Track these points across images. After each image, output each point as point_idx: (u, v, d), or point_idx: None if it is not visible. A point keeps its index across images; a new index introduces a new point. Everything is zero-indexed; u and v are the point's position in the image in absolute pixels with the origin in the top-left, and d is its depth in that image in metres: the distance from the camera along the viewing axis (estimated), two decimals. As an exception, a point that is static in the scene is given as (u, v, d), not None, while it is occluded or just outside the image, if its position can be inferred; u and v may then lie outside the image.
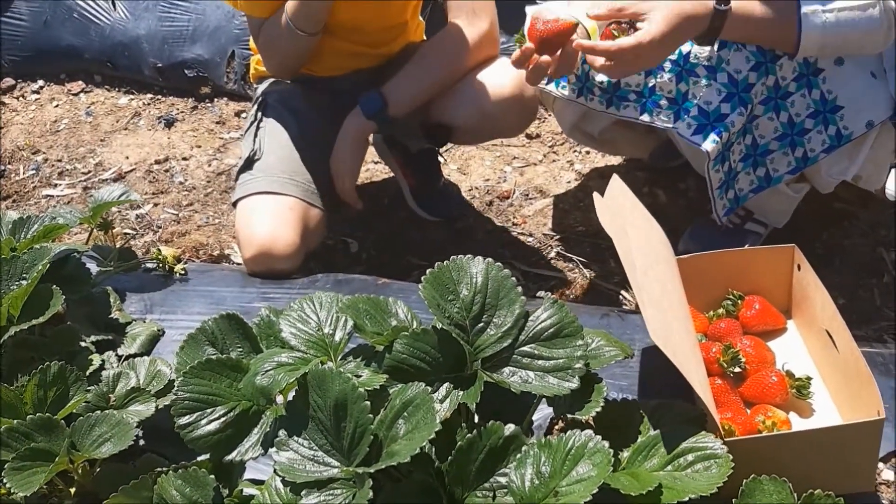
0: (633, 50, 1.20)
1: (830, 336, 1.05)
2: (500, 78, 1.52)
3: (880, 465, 1.01)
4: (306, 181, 1.53)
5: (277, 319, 0.93)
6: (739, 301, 1.20)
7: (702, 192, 1.41)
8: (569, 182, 2.01)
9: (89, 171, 2.22)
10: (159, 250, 1.51)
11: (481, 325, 0.86)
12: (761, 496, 0.77)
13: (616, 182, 1.11)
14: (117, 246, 1.53)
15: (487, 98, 1.50)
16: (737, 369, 1.07)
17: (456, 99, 1.54)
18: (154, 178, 2.16)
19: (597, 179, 2.01)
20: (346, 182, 1.55)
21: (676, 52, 1.33)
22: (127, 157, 2.26)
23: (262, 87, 1.69)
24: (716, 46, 1.29)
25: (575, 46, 1.23)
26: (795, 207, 1.58)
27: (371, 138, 1.65)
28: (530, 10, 1.72)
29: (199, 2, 2.50)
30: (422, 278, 0.86)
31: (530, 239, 1.83)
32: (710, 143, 1.27)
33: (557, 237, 1.82)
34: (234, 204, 1.52)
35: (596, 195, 1.04)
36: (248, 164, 1.52)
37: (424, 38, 1.84)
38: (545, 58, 1.24)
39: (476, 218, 1.91)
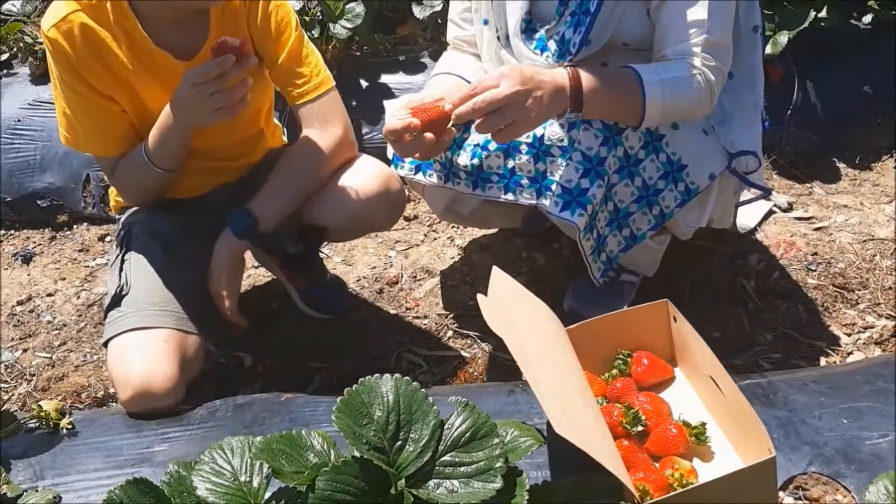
0: (497, 79, 1.22)
1: (714, 381, 1.13)
2: (365, 177, 1.55)
3: (780, 493, 1.10)
4: (179, 309, 1.48)
5: (189, 474, 0.89)
6: (629, 359, 1.28)
7: (575, 249, 1.50)
8: (452, 258, 2.07)
9: (-58, 325, 2.05)
10: (40, 406, 1.41)
11: (399, 443, 0.86)
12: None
13: (496, 273, 1.16)
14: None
15: (356, 198, 1.53)
16: (639, 428, 1.13)
17: (324, 202, 1.55)
18: (19, 320, 2.02)
19: (478, 252, 2.08)
20: (229, 303, 1.52)
21: (531, 136, 1.43)
22: (-16, 303, 2.11)
23: (123, 217, 1.65)
24: (566, 128, 1.40)
25: (455, 103, 1.25)
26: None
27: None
28: (389, 105, 1.80)
29: (43, 129, 2.40)
30: (333, 408, 0.86)
31: (426, 321, 1.86)
32: (577, 217, 1.37)
33: (451, 315, 1.86)
34: (105, 344, 1.45)
35: (479, 297, 1.09)
36: (116, 300, 1.46)
37: (285, 140, 1.87)
38: (428, 135, 1.26)
39: (369, 308, 1.93)
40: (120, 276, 1.49)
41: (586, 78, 1.30)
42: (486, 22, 1.51)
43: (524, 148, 1.46)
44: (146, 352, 1.37)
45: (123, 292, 1.45)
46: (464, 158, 1.49)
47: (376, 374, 0.91)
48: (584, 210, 1.37)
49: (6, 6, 2.71)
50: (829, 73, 2.26)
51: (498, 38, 1.51)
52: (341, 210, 1.54)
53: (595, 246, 1.48)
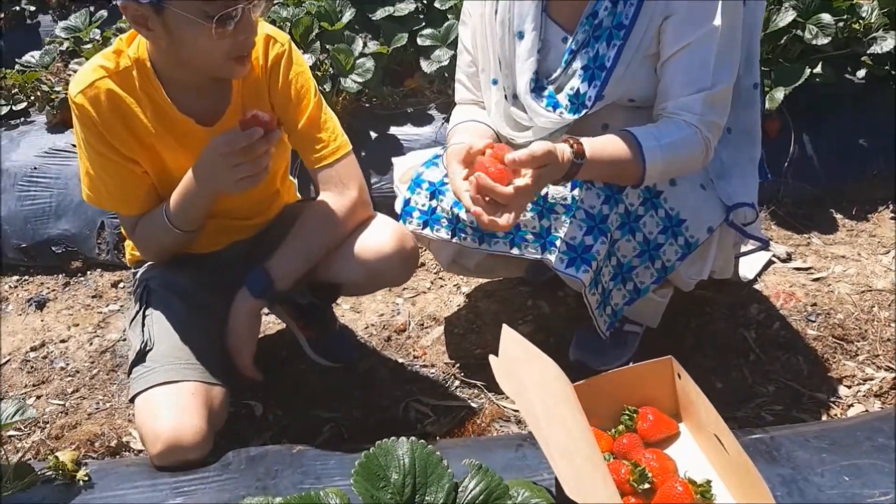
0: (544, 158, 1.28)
1: (719, 439, 1.17)
2: (381, 236, 1.59)
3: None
4: (204, 359, 1.51)
5: (209, 534, 0.92)
6: (634, 414, 1.31)
7: (579, 298, 1.54)
8: (459, 306, 2.11)
9: (-43, 371, 2.08)
10: (56, 457, 1.43)
11: (415, 505, 0.90)
12: None
13: (506, 332, 1.20)
14: (11, 460, 1.44)
15: (371, 256, 1.57)
16: (646, 485, 1.16)
17: (341, 260, 1.59)
18: (32, 367, 2.05)
19: (484, 300, 2.13)
20: (246, 360, 1.55)
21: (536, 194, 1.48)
22: (-2, 349, 2.14)
23: (141, 271, 1.68)
24: (569, 187, 1.45)
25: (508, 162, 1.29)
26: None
27: None
28: (397, 161, 1.85)
29: (59, 176, 2.46)
30: (351, 472, 0.90)
31: (433, 370, 1.89)
32: (583, 274, 1.41)
33: (458, 364, 1.89)
34: (132, 400, 1.47)
35: (492, 358, 1.13)
36: (141, 356, 1.48)
37: (298, 195, 1.91)
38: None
39: (377, 356, 1.96)
40: (143, 331, 1.52)
41: (590, 150, 1.36)
42: (495, 82, 1.57)
43: (529, 205, 1.51)
44: (174, 406, 1.40)
45: (147, 348, 1.48)
46: (469, 215, 1.54)
47: (392, 437, 0.94)
48: (589, 266, 1.42)
49: (25, 57, 2.79)
50: (824, 126, 2.32)
51: (505, 96, 1.57)
52: (357, 268, 1.58)
53: (600, 300, 1.52)
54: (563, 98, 1.48)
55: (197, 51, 1.32)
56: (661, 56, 1.40)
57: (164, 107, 1.45)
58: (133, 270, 1.73)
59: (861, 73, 2.34)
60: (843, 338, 1.86)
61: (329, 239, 1.56)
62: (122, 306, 2.27)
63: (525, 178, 1.29)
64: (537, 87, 1.51)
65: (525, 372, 1.12)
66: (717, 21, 1.34)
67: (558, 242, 1.46)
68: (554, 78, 1.50)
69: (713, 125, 1.39)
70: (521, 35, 1.51)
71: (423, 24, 2.46)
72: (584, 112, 1.45)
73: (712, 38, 1.34)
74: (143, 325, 1.53)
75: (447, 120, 2.47)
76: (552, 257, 1.46)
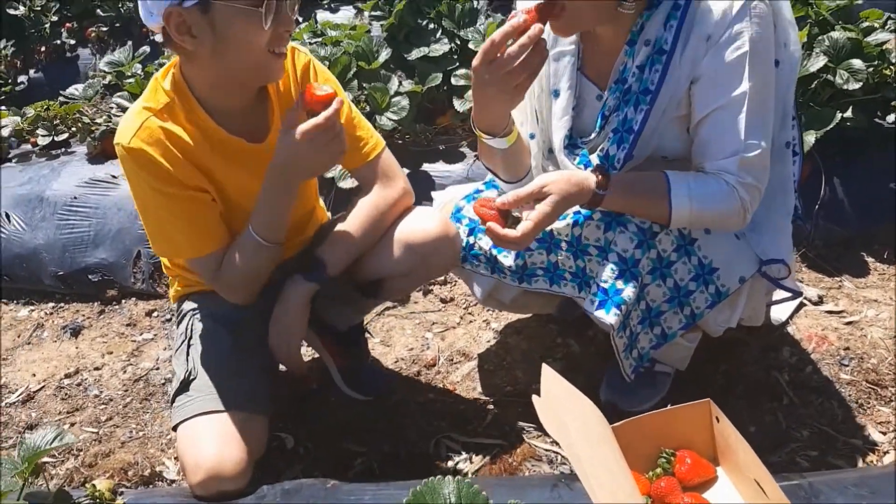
0: (534, 231, 1.36)
1: (759, 485, 1.16)
2: (426, 221, 1.63)
3: None
4: (246, 390, 1.54)
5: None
6: (672, 458, 1.31)
7: (608, 337, 1.54)
8: (488, 341, 2.12)
9: (-6, 396, 2.11)
10: (94, 486, 1.45)
11: (460, 544, 0.90)
12: None
13: (546, 372, 1.21)
14: (51, 487, 1.46)
15: (418, 240, 1.61)
16: (685, 529, 1.16)
17: (386, 250, 1.62)
18: (66, 394, 2.09)
19: (513, 336, 2.13)
20: (293, 346, 1.57)
21: (570, 235, 1.51)
22: (34, 375, 2.18)
23: (183, 306, 1.70)
24: (602, 229, 1.47)
25: (490, 234, 1.38)
26: (694, 347, 1.75)
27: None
28: (436, 195, 1.89)
29: (98, 206, 2.52)
30: (399, 510, 0.91)
31: (463, 406, 1.90)
32: (612, 317, 1.42)
33: (490, 401, 1.90)
34: (174, 428, 1.49)
35: (535, 398, 1.14)
36: (184, 385, 1.51)
37: (329, 215, 1.95)
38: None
39: (407, 391, 1.97)
40: (187, 360, 1.54)
41: (614, 185, 1.39)
42: (532, 136, 1.60)
43: (564, 245, 1.54)
44: (216, 435, 1.42)
45: (191, 377, 1.50)
46: (508, 260, 1.58)
47: (438, 476, 0.95)
48: (619, 310, 1.43)
49: (69, 90, 2.88)
50: (855, 169, 2.33)
51: (542, 151, 1.61)
52: (405, 256, 1.61)
53: (627, 343, 1.53)
54: (594, 158, 1.50)
55: (242, 45, 1.33)
56: (692, 119, 1.41)
57: (215, 132, 1.46)
58: (175, 306, 1.75)
59: (891, 117, 2.35)
60: (877, 383, 1.84)
61: (379, 225, 1.60)
62: (155, 335, 2.30)
63: (544, 205, 1.35)
64: (571, 144, 1.54)
65: (566, 412, 1.13)
66: (746, 85, 1.33)
67: (591, 284, 1.48)
68: (588, 140, 1.53)
69: (750, 187, 1.38)
70: (556, 93, 1.55)
71: (457, 64, 2.52)
72: (614, 173, 1.47)
73: (742, 101, 1.34)
74: (188, 354, 1.56)
75: (478, 157, 2.52)
76: (584, 300, 1.48)
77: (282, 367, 1.77)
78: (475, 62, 1.37)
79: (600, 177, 1.40)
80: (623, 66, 1.46)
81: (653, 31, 1.41)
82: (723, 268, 1.51)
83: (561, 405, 1.15)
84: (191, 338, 1.59)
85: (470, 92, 2.46)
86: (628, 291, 1.43)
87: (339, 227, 1.60)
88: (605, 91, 1.51)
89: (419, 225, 1.62)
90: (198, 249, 1.51)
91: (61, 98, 2.85)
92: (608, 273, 1.45)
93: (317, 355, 2.02)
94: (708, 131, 1.40)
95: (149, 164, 1.40)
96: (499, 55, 1.33)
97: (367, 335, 1.90)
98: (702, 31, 1.35)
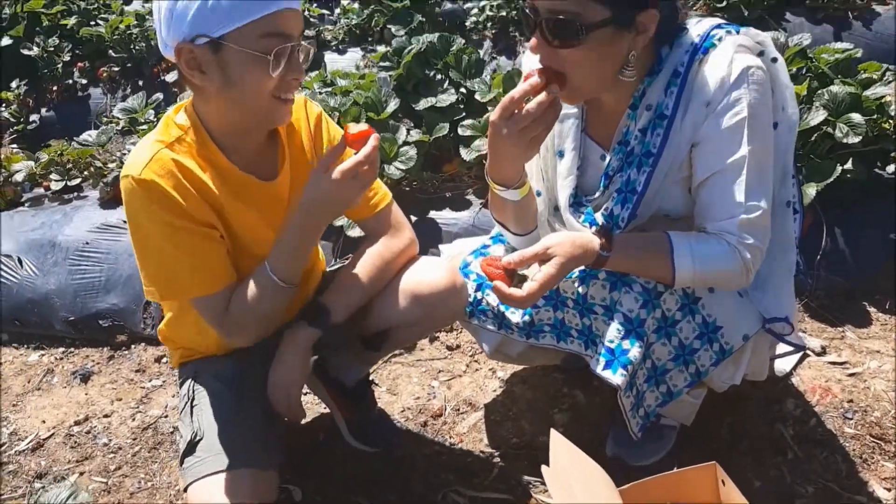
0: (539, 292, 1.38)
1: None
2: (433, 272, 1.64)
3: None
4: (254, 445, 1.54)
5: None
6: (678, 521, 1.32)
7: (614, 389, 1.56)
8: (495, 391, 2.14)
9: (3, 443, 2.13)
10: (104, 541, 1.47)
11: None
12: None
13: (555, 438, 1.23)
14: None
15: (426, 291, 1.61)
16: None
17: (392, 300, 1.63)
18: (76, 442, 2.10)
19: (519, 385, 2.15)
20: (293, 394, 1.56)
21: (576, 293, 1.54)
22: (43, 422, 2.19)
23: (185, 369, 1.70)
24: (608, 288, 1.50)
25: (496, 292, 1.40)
26: (698, 403, 1.77)
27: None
28: (444, 248, 1.92)
29: (109, 252, 2.56)
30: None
31: (470, 459, 1.91)
32: (619, 377, 1.44)
33: (496, 453, 1.91)
34: (185, 489, 1.51)
35: (544, 469, 1.16)
36: (191, 447, 1.51)
37: (326, 268, 1.93)
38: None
39: (413, 442, 1.98)
40: (192, 421, 1.56)
41: (618, 247, 1.43)
42: (539, 193, 1.64)
43: (570, 303, 1.57)
44: (227, 494, 1.42)
45: (197, 438, 1.51)
46: (516, 316, 1.61)
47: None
48: (626, 370, 1.45)
49: (83, 136, 2.94)
50: (855, 220, 2.36)
51: (547, 208, 1.65)
52: (412, 307, 1.61)
53: (634, 402, 1.55)
54: (599, 217, 1.54)
55: (248, 89, 1.33)
56: (694, 181, 1.44)
57: (227, 169, 1.46)
58: (177, 370, 1.73)
59: (890, 168, 2.39)
60: (880, 437, 1.85)
61: (385, 274, 1.62)
62: (164, 381, 2.32)
63: (549, 266, 1.38)
64: (576, 203, 1.58)
65: (575, 479, 1.15)
66: (745, 149, 1.37)
67: (597, 343, 1.50)
68: (592, 198, 1.57)
69: (752, 248, 1.40)
70: (561, 154, 1.59)
71: (464, 114, 2.57)
72: (618, 232, 1.50)
73: (742, 165, 1.37)
74: (192, 415, 1.57)
75: (485, 205, 2.56)
76: (591, 359, 1.50)
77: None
78: (493, 117, 1.42)
79: (604, 239, 1.43)
80: (626, 129, 1.50)
81: (654, 97, 1.45)
82: (727, 326, 1.53)
83: (570, 473, 1.17)
84: (193, 398, 1.60)
85: (476, 142, 2.52)
86: (634, 352, 1.45)
87: (345, 274, 1.62)
88: (608, 152, 1.55)
89: (426, 275, 1.64)
90: (205, 287, 1.46)
91: (75, 143, 2.91)
92: (614, 333, 1.47)
93: (323, 407, 2.04)
94: (709, 193, 1.43)
95: (160, 196, 1.36)
96: (516, 111, 1.38)
97: (373, 385, 1.91)
98: (702, 97, 1.39)
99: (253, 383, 1.64)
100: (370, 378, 1.87)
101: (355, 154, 1.38)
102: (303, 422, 2.03)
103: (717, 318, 1.52)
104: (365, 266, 1.62)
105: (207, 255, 1.45)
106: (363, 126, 1.41)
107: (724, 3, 3.80)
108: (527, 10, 1.35)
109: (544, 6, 1.31)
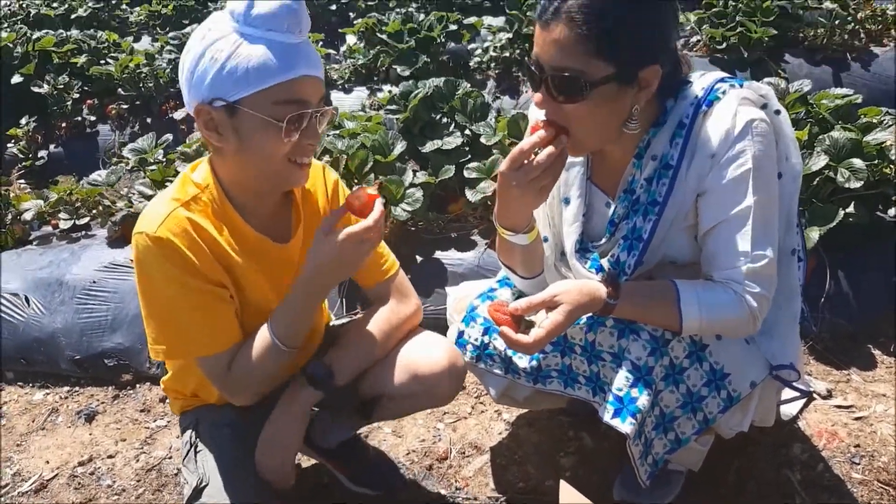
0: (546, 339, 1.40)
1: None
2: (436, 352, 1.63)
3: None
4: (258, 490, 1.54)
5: None
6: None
7: (620, 433, 1.56)
8: (500, 434, 2.13)
9: (7, 484, 2.12)
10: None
11: None
12: None
13: (564, 489, 1.23)
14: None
15: (425, 371, 1.60)
16: None
17: (390, 370, 1.62)
18: (79, 483, 2.09)
19: (525, 428, 2.15)
20: (287, 457, 1.56)
21: (584, 340, 1.55)
22: (47, 462, 2.19)
23: (187, 415, 1.70)
24: (616, 336, 1.51)
25: (504, 338, 1.42)
26: (705, 449, 1.76)
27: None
28: (450, 290, 1.93)
29: (116, 291, 2.57)
30: None
31: (475, 503, 1.90)
32: (628, 426, 1.45)
33: (503, 498, 1.90)
34: None
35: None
36: (197, 494, 1.51)
37: (332, 316, 1.94)
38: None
39: (419, 486, 1.97)
40: (196, 468, 1.56)
41: (625, 295, 1.44)
42: (545, 239, 1.66)
43: (578, 350, 1.58)
44: None
45: (203, 484, 1.51)
46: (523, 362, 1.62)
47: None
48: (634, 419, 1.45)
49: (93, 176, 2.97)
50: (858, 263, 2.38)
51: (553, 254, 1.67)
52: (409, 382, 1.60)
53: (643, 451, 1.55)
54: (605, 263, 1.55)
55: (262, 153, 1.34)
56: (699, 229, 1.46)
57: (242, 229, 1.46)
58: (179, 416, 1.73)
59: (892, 211, 2.41)
60: (888, 483, 1.85)
61: (390, 341, 1.63)
62: (168, 422, 2.32)
63: (557, 314, 1.39)
64: (582, 249, 1.60)
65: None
66: (751, 199, 1.39)
67: (605, 391, 1.51)
68: (598, 245, 1.59)
69: (759, 296, 1.42)
70: (567, 201, 1.61)
71: (469, 157, 2.60)
72: (624, 278, 1.52)
73: (747, 215, 1.39)
74: (196, 461, 1.57)
75: (489, 245, 2.58)
76: (599, 407, 1.51)
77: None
78: (503, 167, 1.44)
79: (611, 287, 1.45)
80: (631, 178, 1.53)
81: (659, 148, 1.47)
82: (734, 373, 1.54)
83: (578, 524, 1.17)
84: (196, 445, 1.60)
85: (482, 184, 2.55)
86: (643, 400, 1.46)
87: (352, 335, 1.61)
88: (613, 199, 1.57)
89: (428, 354, 1.62)
90: (211, 347, 1.45)
91: (84, 182, 2.94)
92: (622, 381, 1.48)
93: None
94: (715, 243, 1.45)
95: (174, 254, 1.36)
96: (526, 162, 1.41)
97: (362, 439, 1.89)
98: (707, 149, 1.42)
99: (254, 432, 1.62)
100: (356, 437, 1.85)
101: (362, 220, 1.38)
102: (307, 466, 2.03)
103: (724, 366, 1.53)
104: (373, 329, 1.61)
105: (216, 315, 1.44)
106: (371, 190, 1.41)
107: (724, 45, 3.87)
108: (532, 67, 1.39)
109: (549, 63, 1.34)
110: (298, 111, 1.31)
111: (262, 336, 1.46)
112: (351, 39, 4.72)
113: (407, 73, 3.83)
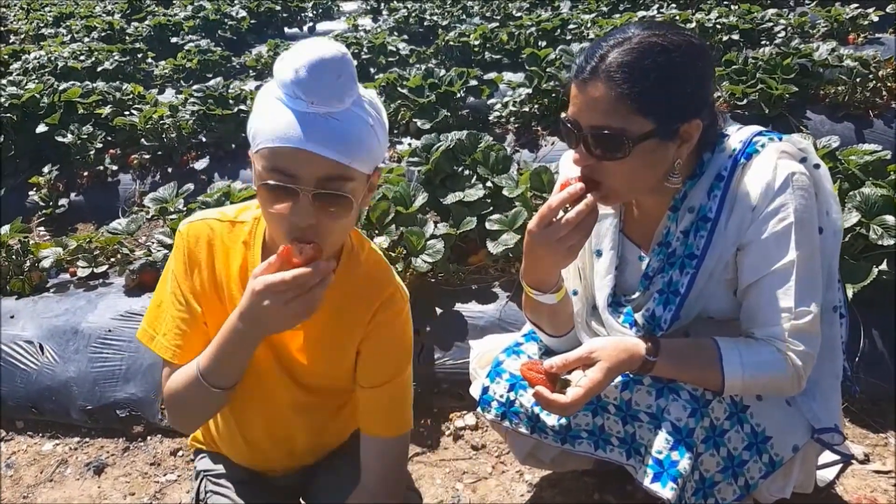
0: (584, 399, 1.34)
1: None
2: None
3: None
4: None
5: None
6: None
7: (647, 493, 1.48)
8: (522, 496, 2.05)
9: (10, 540, 2.05)
10: None
11: None
12: None
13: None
14: None
15: None
16: None
17: None
18: (86, 540, 2.02)
19: (548, 489, 2.06)
20: None
21: (619, 399, 1.48)
22: (53, 517, 2.12)
23: (198, 463, 1.64)
24: (654, 395, 1.45)
25: (539, 398, 1.36)
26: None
27: None
28: (474, 343, 1.88)
29: (131, 340, 2.53)
30: None
31: (498, 572, 1.81)
32: (669, 491, 1.37)
33: (525, 567, 1.81)
34: None
35: None
36: None
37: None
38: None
39: (437, 552, 1.89)
40: None
41: (665, 352, 1.38)
42: (575, 293, 1.61)
43: (612, 409, 1.51)
44: None
45: None
46: (551, 420, 1.55)
47: None
48: (676, 483, 1.38)
49: (113, 224, 2.96)
50: (892, 322, 2.30)
51: (585, 308, 1.62)
52: None
53: (682, 517, 1.46)
54: (639, 318, 1.51)
55: (263, 211, 1.26)
56: (740, 283, 1.42)
57: (252, 266, 1.36)
58: (193, 456, 1.68)
59: (926, 269, 2.35)
60: (936, 556, 1.74)
61: None
62: (179, 476, 2.25)
63: (595, 372, 1.34)
64: (615, 303, 1.55)
65: None
66: (794, 254, 1.35)
67: (643, 454, 1.43)
68: (631, 299, 1.54)
69: (803, 354, 1.36)
70: (599, 253, 1.57)
71: (491, 209, 2.58)
72: (660, 333, 1.47)
73: (790, 269, 1.35)
74: None
75: (511, 298, 2.53)
76: (637, 472, 1.43)
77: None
78: (531, 225, 1.41)
79: (650, 343, 1.39)
80: (666, 231, 1.49)
81: (696, 199, 1.44)
82: (776, 436, 1.46)
83: None
84: (206, 499, 1.55)
85: (503, 236, 2.51)
86: (684, 463, 1.38)
87: None
88: (645, 252, 1.53)
89: None
90: (167, 351, 1.38)
91: (104, 230, 2.94)
92: (662, 443, 1.41)
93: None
94: (757, 298, 1.40)
95: (179, 251, 1.39)
96: (555, 220, 1.37)
97: None
98: (747, 202, 1.38)
99: (259, 493, 1.57)
100: None
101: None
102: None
103: (766, 428, 1.46)
104: None
105: (186, 326, 1.39)
106: (309, 249, 1.20)
107: (745, 101, 3.87)
108: (568, 124, 1.37)
109: (588, 122, 1.32)
110: (277, 181, 1.18)
111: (192, 363, 1.35)
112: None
113: (427, 126, 3.85)
